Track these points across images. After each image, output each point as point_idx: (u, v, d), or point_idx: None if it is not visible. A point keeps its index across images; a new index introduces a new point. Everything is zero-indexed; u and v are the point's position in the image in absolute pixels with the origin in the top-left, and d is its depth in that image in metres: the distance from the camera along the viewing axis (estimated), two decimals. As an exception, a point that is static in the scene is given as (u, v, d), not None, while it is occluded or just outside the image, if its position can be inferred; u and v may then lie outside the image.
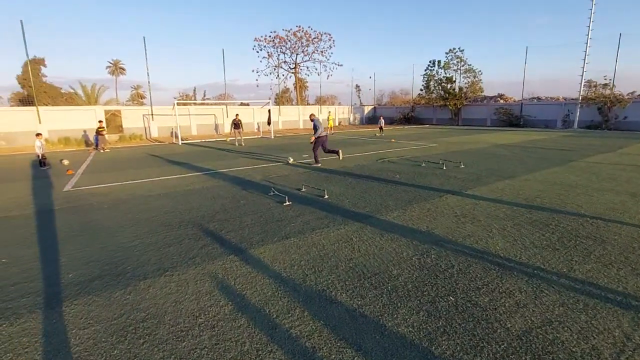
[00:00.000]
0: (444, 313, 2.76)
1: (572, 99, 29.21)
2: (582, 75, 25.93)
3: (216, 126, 26.95)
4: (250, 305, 2.89)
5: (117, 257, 3.94)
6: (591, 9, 24.86)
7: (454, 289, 3.13)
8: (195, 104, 30.65)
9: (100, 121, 17.17)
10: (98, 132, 16.26)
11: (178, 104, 21.03)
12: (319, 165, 10.21)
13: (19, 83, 35.99)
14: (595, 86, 25.83)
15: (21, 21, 17.99)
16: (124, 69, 62.28)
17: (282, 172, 9.38)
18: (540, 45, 72.63)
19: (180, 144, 18.83)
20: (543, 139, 18.05)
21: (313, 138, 10.32)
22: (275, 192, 6.78)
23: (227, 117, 27.46)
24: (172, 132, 22.88)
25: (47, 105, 25.41)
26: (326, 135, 10.52)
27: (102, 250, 4.17)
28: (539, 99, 34.30)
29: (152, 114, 23.29)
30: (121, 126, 22.21)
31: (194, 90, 60.23)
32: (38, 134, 11.88)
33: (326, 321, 2.66)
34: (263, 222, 5.09)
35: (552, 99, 33.13)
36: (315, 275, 3.41)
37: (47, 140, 18.56)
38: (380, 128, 23.17)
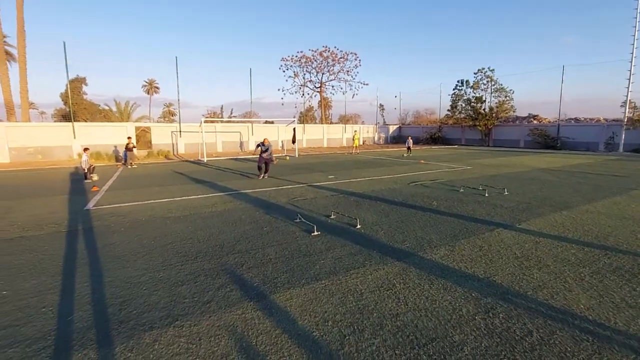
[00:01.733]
0: (539, 414, 2.00)
1: (614, 120, 27.24)
2: (627, 95, 24.15)
3: (241, 144, 27.13)
4: (274, 382, 2.25)
5: (123, 296, 3.44)
6: (635, 27, 23.39)
7: (542, 371, 2.35)
8: (221, 121, 31.22)
9: (129, 137, 17.54)
10: (127, 148, 16.55)
11: (205, 122, 21.33)
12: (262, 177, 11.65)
13: (62, 100, 38.46)
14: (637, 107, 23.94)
15: (64, 42, 19.08)
16: (158, 88, 65.60)
17: (309, 194, 8.82)
18: (573, 64, 69.83)
19: (205, 160, 18.88)
20: (589, 163, 16.57)
21: (275, 160, 12.20)
22: (302, 219, 6.19)
23: (252, 134, 27.65)
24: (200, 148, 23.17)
25: (86, 121, 26.70)
26: (270, 158, 11.93)
27: (109, 285, 3.69)
28: (577, 119, 32.37)
29: (180, 131, 23.75)
30: (150, 142, 22.73)
31: (222, 108, 62.13)
32: (85, 149, 12.23)
33: (376, 417, 1.96)
34: (289, 255, 4.49)
35: (591, 120, 31.14)
36: (355, 337, 2.73)
37: (80, 155, 19.21)
38: (409, 148, 22.32)
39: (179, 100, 23.76)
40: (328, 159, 19.48)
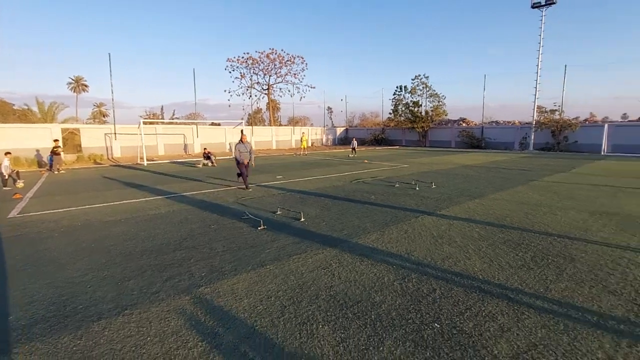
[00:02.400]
0: (431, 342, 2.63)
1: (527, 123, 31.66)
2: (534, 102, 28.22)
3: (185, 146, 26.12)
4: (222, 346, 2.59)
5: (66, 294, 3.47)
6: (540, 42, 27.50)
7: (438, 314, 3.02)
8: (163, 122, 29.69)
9: (56, 140, 16.00)
10: (53, 152, 15.09)
11: (144, 123, 20.21)
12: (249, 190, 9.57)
13: (-36, 99, 33.15)
14: (545, 112, 28.16)
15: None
16: (86, 86, 59.70)
17: (257, 193, 9.08)
18: (496, 73, 78.90)
19: (145, 164, 17.93)
20: (504, 160, 19.15)
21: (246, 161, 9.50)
22: (250, 215, 6.48)
23: (198, 136, 26.77)
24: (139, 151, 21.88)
25: (-4, 122, 23.42)
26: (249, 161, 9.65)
27: (49, 286, 3.66)
28: (497, 122, 36.79)
29: (115, 133, 22.15)
30: (80, 146, 20.85)
31: (162, 109, 58.53)
32: (7, 153, 10.96)
33: (309, 357, 2.42)
34: (235, 248, 4.78)
35: (509, 123, 35.66)
36: (294, 307, 3.17)
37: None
38: (353, 149, 23.48)
39: (113, 99, 22.16)
40: (276, 161, 19.75)
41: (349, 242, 5.03)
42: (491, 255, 4.49)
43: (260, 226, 5.76)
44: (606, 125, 24.99)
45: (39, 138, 18.79)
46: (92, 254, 4.65)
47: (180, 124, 30.16)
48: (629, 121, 29.29)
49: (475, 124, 36.14)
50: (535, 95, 28.13)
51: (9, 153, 11.28)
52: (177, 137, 25.83)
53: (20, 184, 10.63)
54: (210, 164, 17.07)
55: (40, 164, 17.77)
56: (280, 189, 9.86)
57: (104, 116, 56.71)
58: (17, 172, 10.90)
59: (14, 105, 33.07)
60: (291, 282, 3.68)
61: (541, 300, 3.28)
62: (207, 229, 5.76)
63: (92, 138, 21.31)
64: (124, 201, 8.24)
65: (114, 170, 15.76)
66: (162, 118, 49.03)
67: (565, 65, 27.22)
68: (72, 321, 2.95)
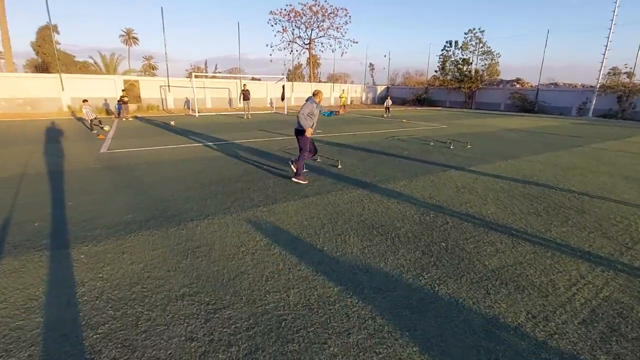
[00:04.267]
0: (436, 253, 3.43)
1: (591, 87, 28.70)
2: (602, 62, 25.32)
3: (230, 100, 27.41)
4: (280, 241, 3.61)
5: (163, 206, 4.69)
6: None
7: (446, 238, 3.79)
8: (213, 76, 31.01)
9: (123, 89, 17.84)
10: (121, 101, 16.94)
11: (195, 77, 21.49)
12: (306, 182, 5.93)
13: (34, 49, 36.53)
14: (616, 74, 25.29)
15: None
16: (137, 39, 62.19)
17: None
18: (561, 29, 69.59)
19: (197, 115, 19.47)
20: (555, 126, 18.15)
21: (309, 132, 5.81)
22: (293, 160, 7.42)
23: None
24: (185, 104, 23.55)
25: (62, 72, 26.10)
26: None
27: (150, 199, 4.92)
28: (556, 85, 33.64)
29: (168, 85, 23.82)
30: (139, 96, 22.86)
31: (205, 63, 60.16)
32: (85, 100, 12.76)
33: (342, 254, 3.36)
34: (283, 184, 5.77)
35: (570, 86, 32.49)
36: (331, 224, 4.10)
37: (70, 107, 19.41)
38: (387, 109, 21.82)
39: (166, 53, 23.61)
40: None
41: (379, 186, 5.80)
42: (507, 203, 5.05)
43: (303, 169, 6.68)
44: (684, 91, 22.11)
45: (105, 88, 20.90)
46: (175, 182, 5.89)
47: (225, 78, 31.29)
48: None
49: (531, 86, 33.36)
50: (605, 54, 25.16)
51: (86, 101, 13.04)
52: (223, 91, 27.07)
53: (106, 127, 12.49)
54: (247, 109, 18.62)
55: (108, 112, 20.00)
56: (321, 141, 10.65)
57: (153, 69, 59.65)
58: (99, 119, 12.71)
59: (74, 56, 36.02)
60: (329, 209, 4.60)
61: (538, 238, 3.90)
62: (259, 169, 6.80)
63: (149, 89, 23.17)
64: (186, 145, 9.57)
65: (173, 118, 17.44)
66: (206, 72, 50.57)
67: (649, 19, 23.72)
68: (174, 220, 4.13)
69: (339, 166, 7.10)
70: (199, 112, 20.47)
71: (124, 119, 16.70)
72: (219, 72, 51.11)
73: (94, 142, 9.89)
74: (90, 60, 30.48)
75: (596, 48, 74.92)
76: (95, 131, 11.89)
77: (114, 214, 4.31)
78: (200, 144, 9.77)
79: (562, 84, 33.80)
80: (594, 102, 25.72)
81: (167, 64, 23.96)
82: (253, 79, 33.21)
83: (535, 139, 12.52)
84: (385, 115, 21.47)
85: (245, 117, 18.76)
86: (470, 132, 14.21)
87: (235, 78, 29.35)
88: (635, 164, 8.21)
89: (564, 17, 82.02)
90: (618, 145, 11.48)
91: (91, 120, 12.16)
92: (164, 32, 22.89)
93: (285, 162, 7.45)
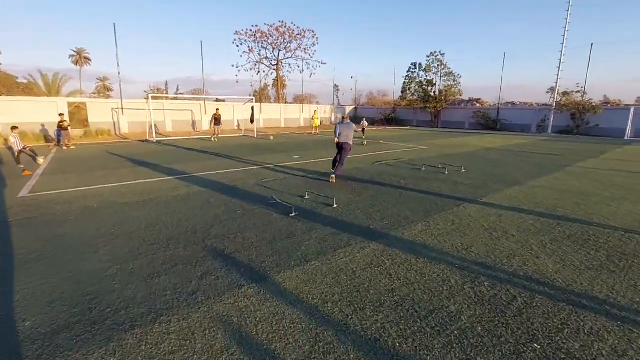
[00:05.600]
0: (539, 371, 2.16)
1: (544, 105, 30.42)
2: (556, 82, 26.88)
3: (194, 123, 25.42)
4: (287, 369, 2.15)
5: (91, 292, 3.03)
6: (566, 19, 25.83)
7: (532, 331, 2.55)
8: (174, 97, 28.91)
9: (61, 114, 15.38)
10: (60, 127, 14.54)
11: (153, 98, 19.44)
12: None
13: (-34, 70, 32.36)
14: (568, 94, 26.91)
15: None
16: (89, 59, 58.25)
17: (277, 175, 8.55)
18: (512, 53, 75.91)
19: (155, 141, 17.39)
20: (525, 143, 18.34)
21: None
22: (276, 200, 5.98)
23: (206, 113, 26.00)
24: (149, 127, 21.33)
25: (1, 95, 22.80)
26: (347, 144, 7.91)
27: (70, 281, 3.23)
28: (513, 104, 35.47)
29: (122, 108, 21.47)
30: (87, 120, 20.25)
31: (166, 84, 57.39)
32: (14, 127, 10.35)
33: (396, 393, 1.97)
34: (270, 239, 4.31)
35: (526, 104, 34.37)
36: (358, 316, 2.70)
37: (1, 134, 16.50)
38: (363, 130, 20.12)
39: (119, 72, 21.42)
40: (289, 140, 19.10)
41: (393, 234, 4.53)
42: (559, 253, 3.98)
43: (291, 213, 5.27)
44: (632, 109, 23.83)
45: (45, 112, 18.18)
46: (114, 241, 4.20)
47: (187, 99, 29.32)
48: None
49: (489, 105, 34.86)
50: (558, 75, 26.78)
51: (16, 127, 10.71)
52: (185, 114, 25.07)
53: (40, 160, 10.23)
54: (217, 132, 17.59)
55: (47, 139, 17.28)
56: (301, 170, 9.32)
57: (108, 90, 55.69)
58: (29, 148, 10.42)
59: (17, 78, 32.29)
60: (345, 283, 3.21)
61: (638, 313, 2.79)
62: (234, 215, 5.28)
63: (99, 113, 20.66)
64: (139, 180, 7.77)
65: (124, 146, 15.24)
66: (167, 93, 48.01)
67: (592, 44, 25.71)
68: (102, 330, 2.51)
69: (334, 205, 5.77)
70: (158, 138, 18.40)
71: (64, 147, 14.28)
72: (181, 93, 48.61)
73: (15, 181, 7.76)
74: (30, 79, 27.04)
75: (539, 71, 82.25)
76: (22, 165, 9.62)
77: (1, 322, 2.60)
78: (158, 179, 8.01)
79: (518, 103, 35.74)
80: (552, 119, 27.03)
81: (120, 84, 21.58)
82: (217, 100, 31.45)
83: (520, 158, 12.13)
84: (363, 137, 19.88)
85: (212, 139, 17.64)
86: (454, 153, 13.63)
87: (198, 99, 27.48)
88: (637, 185, 7.73)
89: (516, 43, 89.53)
90: (599, 163, 11.33)
91: (19, 152, 9.88)
92: (116, 47, 20.79)
93: (267, 200, 5.99)
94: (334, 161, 8.12)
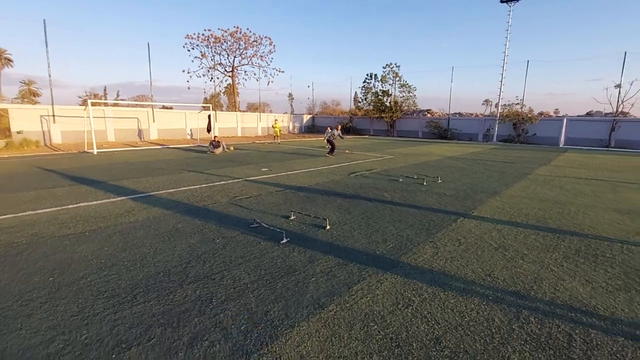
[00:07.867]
0: None
1: (487, 115, 33.04)
2: (499, 95, 29.30)
3: (140, 131, 23.13)
4: None
5: (23, 389, 2.05)
6: (507, 37, 28.39)
7: (615, 385, 2.15)
8: (115, 104, 26.11)
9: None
10: (-28, 138, 12.04)
11: (92, 104, 17.19)
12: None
13: None
14: (509, 105, 29.46)
15: None
16: (10, 60, 51.22)
17: (251, 191, 7.69)
18: (447, 66, 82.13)
19: (95, 152, 15.30)
20: (480, 151, 19.41)
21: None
22: (261, 222, 5.18)
23: (154, 121, 23.86)
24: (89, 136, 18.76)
25: None
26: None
27: (-11, 371, 2.19)
28: (460, 114, 37.99)
29: (53, 115, 18.75)
30: (9, 129, 17.29)
31: (105, 90, 52.63)
32: None
33: None
34: (267, 277, 3.54)
35: (471, 115, 37.01)
36: (414, 388, 2.10)
37: None
38: (329, 141, 20.67)
39: (50, 74, 18.60)
40: (251, 150, 18.08)
41: (405, 260, 4.03)
42: (580, 273, 3.78)
43: (282, 239, 4.53)
44: (565, 119, 26.66)
45: (-51, 119, 15.11)
46: (54, 295, 3.12)
47: (130, 106, 26.72)
48: (579, 116, 31.65)
49: (438, 115, 36.94)
50: (500, 88, 29.17)
51: None
52: (130, 122, 22.74)
53: None
54: (222, 149, 16.26)
55: (-47, 152, 14.31)
56: (275, 184, 8.55)
57: (34, 96, 49.23)
58: None
59: None
60: (378, 335, 2.59)
61: (701, 344, 2.57)
62: (212, 245, 4.39)
63: (25, 120, 17.77)
64: (83, 203, 6.41)
65: (58, 159, 13.06)
66: (105, 99, 43.84)
67: (528, 61, 28.50)
68: None
69: (327, 226, 5.14)
70: (99, 148, 16.25)
71: (-23, 163, 11.81)
72: (122, 99, 44.55)
73: None
74: None
75: (478, 83, 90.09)
76: None
77: None
78: (106, 200, 6.70)
79: (465, 114, 38.36)
80: (496, 129, 29.29)
81: (51, 88, 18.78)
82: (164, 107, 29.12)
83: (484, 167, 12.59)
84: (327, 148, 19.28)
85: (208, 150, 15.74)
86: (422, 162, 13.79)
87: (143, 106, 25.16)
88: (598, 192, 8.24)
89: (463, 57, 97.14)
90: (554, 170, 12.14)
91: None
92: (46, 46, 18.14)
93: (249, 224, 5.17)
94: (331, 150, 15.27)
